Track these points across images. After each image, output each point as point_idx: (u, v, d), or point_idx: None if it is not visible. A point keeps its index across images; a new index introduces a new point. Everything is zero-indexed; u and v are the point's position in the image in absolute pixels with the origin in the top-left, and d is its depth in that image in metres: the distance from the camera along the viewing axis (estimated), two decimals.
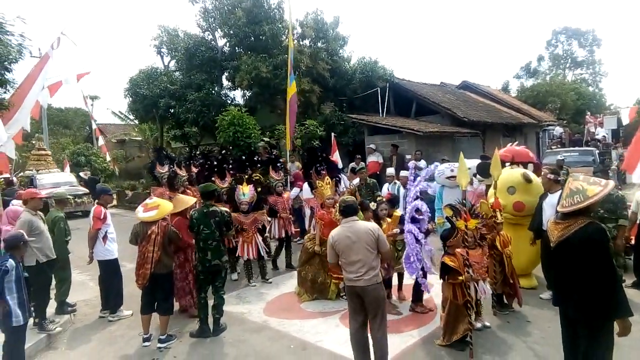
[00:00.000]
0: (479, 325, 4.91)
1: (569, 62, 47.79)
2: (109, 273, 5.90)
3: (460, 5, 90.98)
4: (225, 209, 5.50)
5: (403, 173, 8.66)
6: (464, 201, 5.18)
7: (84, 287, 7.29)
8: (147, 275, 4.80)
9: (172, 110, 17.12)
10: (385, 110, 16.76)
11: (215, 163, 7.74)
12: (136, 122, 22.70)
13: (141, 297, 5.05)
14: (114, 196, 13.26)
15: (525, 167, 6.79)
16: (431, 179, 8.57)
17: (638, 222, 5.97)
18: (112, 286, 5.91)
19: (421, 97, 16.78)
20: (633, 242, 6.05)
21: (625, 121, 17.31)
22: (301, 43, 16.94)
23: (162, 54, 19.49)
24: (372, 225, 4.14)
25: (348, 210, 4.13)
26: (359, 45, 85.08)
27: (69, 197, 7.39)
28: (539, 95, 31.14)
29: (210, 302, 5.20)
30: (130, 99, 17.96)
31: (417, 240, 5.10)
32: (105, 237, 5.78)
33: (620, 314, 3.09)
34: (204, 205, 5.30)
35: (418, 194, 5.42)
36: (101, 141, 19.10)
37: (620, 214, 5.72)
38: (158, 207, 5.03)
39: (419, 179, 5.50)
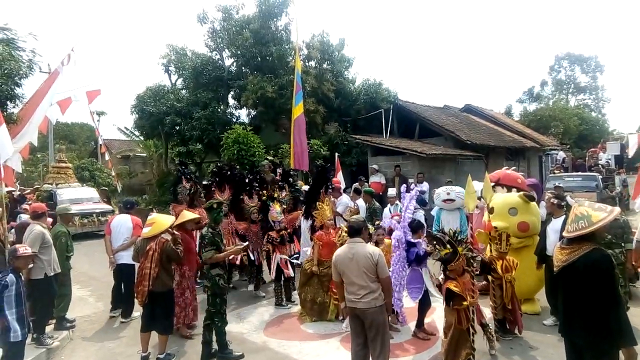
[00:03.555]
0: (493, 352, 4.86)
1: (572, 88, 48.28)
2: (133, 277, 6.02)
3: (465, 29, 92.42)
4: (204, 230, 5.15)
5: (391, 193, 8.69)
6: (468, 225, 5.17)
7: (84, 303, 7.24)
8: (145, 292, 4.76)
9: (177, 128, 17.25)
10: (389, 131, 16.85)
11: (246, 181, 7.63)
12: (141, 138, 22.88)
13: (141, 316, 5.01)
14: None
15: (509, 190, 6.80)
16: (422, 202, 8.57)
17: None
18: (131, 290, 6.04)
19: (425, 119, 16.89)
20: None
21: (633, 150, 17.26)
22: (307, 64, 17.19)
23: (169, 72, 19.78)
24: (373, 249, 4.05)
25: (351, 231, 4.13)
26: (364, 67, 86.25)
27: (73, 212, 7.35)
28: (542, 119, 31.35)
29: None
30: (137, 115, 18.13)
31: (414, 260, 5.07)
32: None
33: (624, 343, 3.05)
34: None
35: (412, 211, 5.41)
36: (106, 156, 19.14)
37: (626, 239, 5.70)
38: (154, 223, 5.04)
39: (408, 196, 5.47)
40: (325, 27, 37.51)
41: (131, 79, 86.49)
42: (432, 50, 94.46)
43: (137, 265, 6.01)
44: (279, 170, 8.31)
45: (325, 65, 17.58)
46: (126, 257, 6.25)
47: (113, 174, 19.59)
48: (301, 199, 7.62)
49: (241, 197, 7.48)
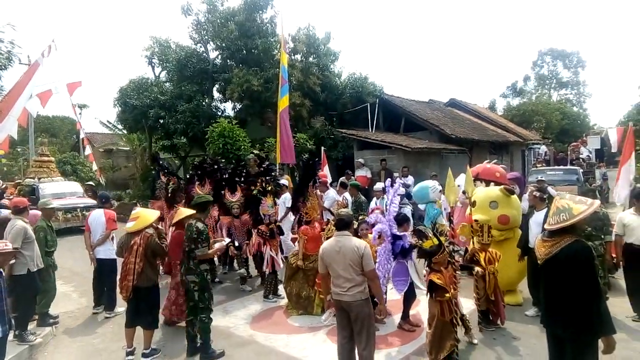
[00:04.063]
0: (475, 341, 4.98)
1: (554, 83, 49.06)
2: (111, 271, 6.27)
3: (450, 24, 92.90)
4: (199, 225, 4.98)
5: (377, 186, 8.75)
6: (451, 219, 5.24)
7: (68, 299, 7.15)
8: (129, 287, 4.71)
9: (161, 121, 17.06)
10: (375, 125, 16.92)
11: (226, 176, 7.57)
12: (124, 131, 22.56)
13: (125, 311, 4.97)
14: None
15: (487, 185, 6.92)
16: (408, 196, 8.65)
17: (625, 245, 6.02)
18: (112, 284, 6.23)
19: (410, 113, 16.99)
20: (622, 263, 6.10)
21: (615, 145, 17.64)
22: (293, 58, 17.10)
23: (153, 64, 19.51)
24: (359, 242, 4.06)
25: (339, 224, 4.15)
26: (350, 61, 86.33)
27: (56, 206, 7.21)
28: (525, 114, 31.85)
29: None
30: (120, 108, 17.87)
31: (400, 252, 5.13)
32: (112, 238, 6.40)
33: (604, 332, 3.14)
34: (188, 217, 5.15)
35: (397, 205, 5.45)
36: (88, 150, 18.79)
37: (606, 231, 5.83)
38: (138, 217, 4.98)
39: (393, 189, 5.52)
40: (311, 21, 37.51)
41: (114, 72, 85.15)
42: (418, 45, 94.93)
43: (114, 259, 6.14)
44: (266, 163, 8.27)
45: (311, 59, 17.53)
46: (102, 252, 6.31)
47: (95, 167, 19.25)
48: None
49: (222, 192, 7.41)
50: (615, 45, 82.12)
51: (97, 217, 6.47)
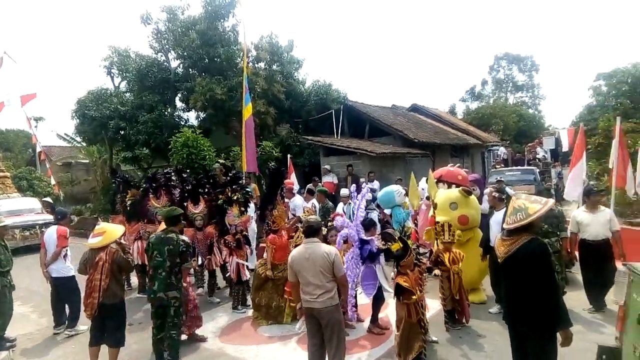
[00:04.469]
0: (434, 338, 5.10)
1: (510, 86, 50.95)
2: (70, 289, 6.12)
3: (410, 30, 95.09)
4: (184, 237, 5.03)
5: (344, 192, 8.87)
6: (415, 222, 5.36)
7: (26, 320, 6.82)
8: (94, 305, 4.57)
9: (122, 132, 16.60)
10: (340, 131, 17.08)
11: (189, 187, 7.36)
12: (83, 144, 21.83)
13: (89, 329, 4.81)
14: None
15: (450, 186, 7.16)
16: (374, 201, 8.81)
17: (579, 240, 6.34)
18: (72, 302, 6.12)
19: (374, 119, 17.25)
20: (577, 260, 6.41)
21: (565, 145, 18.59)
22: (256, 66, 17.07)
23: (112, 74, 18.97)
24: (329, 248, 4.11)
25: (309, 231, 4.16)
26: (314, 69, 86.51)
27: (9, 224, 6.88)
28: (484, 117, 33.00)
29: None
30: (78, 120, 17.27)
31: (368, 257, 5.20)
32: (65, 255, 6.15)
33: (562, 326, 3.29)
34: (163, 231, 5.01)
35: (364, 210, 5.55)
36: (46, 164, 18.03)
37: (561, 228, 6.10)
38: (104, 232, 4.84)
39: (360, 195, 5.62)
40: (273, 29, 37.31)
41: (71, 83, 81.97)
42: (380, 52, 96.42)
43: (72, 276, 6.04)
44: (233, 171, 8.18)
45: (274, 67, 17.53)
46: (56, 271, 6.09)
47: (53, 182, 18.49)
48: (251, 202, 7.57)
49: (185, 203, 7.20)
50: (567, 49, 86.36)
51: (52, 234, 6.21)
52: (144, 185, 7.62)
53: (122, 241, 4.98)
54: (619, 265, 5.90)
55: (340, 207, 8.68)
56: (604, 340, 4.45)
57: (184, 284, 5.12)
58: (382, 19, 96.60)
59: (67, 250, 6.17)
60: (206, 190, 7.32)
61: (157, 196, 7.40)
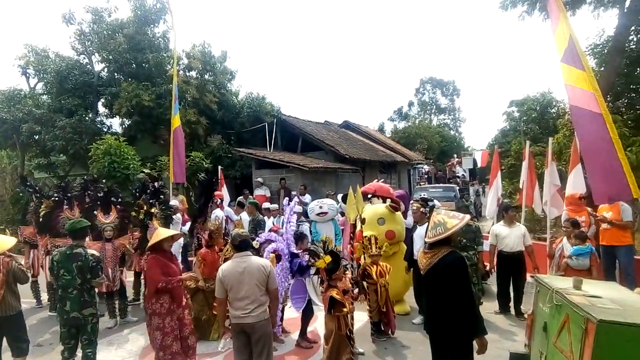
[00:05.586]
0: (361, 350, 5.20)
1: (434, 109, 54.28)
2: None
3: (343, 48, 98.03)
4: (93, 251, 4.63)
5: (273, 206, 8.93)
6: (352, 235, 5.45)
7: None
8: None
9: (36, 137, 15.34)
10: (273, 145, 17.06)
11: (100, 195, 6.87)
12: None
13: None
14: None
15: (384, 201, 7.47)
16: (306, 214, 8.93)
17: (497, 252, 6.82)
18: None
19: (307, 134, 17.48)
20: (495, 270, 6.90)
21: (480, 163, 20.17)
22: (187, 74, 16.65)
23: (27, 75, 17.50)
24: (264, 261, 4.09)
25: (242, 245, 4.08)
26: (247, 81, 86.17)
27: None
28: (410, 136, 34.79)
29: None
30: None
31: (297, 270, 5.23)
32: None
33: (477, 333, 3.50)
34: (68, 247, 4.59)
35: (294, 223, 5.61)
36: None
37: (478, 242, 6.55)
38: None
39: (289, 208, 5.67)
40: (206, 38, 36.64)
41: None
42: (314, 68, 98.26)
43: None
44: (157, 183, 7.84)
45: (207, 76, 17.19)
46: None
47: None
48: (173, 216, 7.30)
49: (94, 213, 6.72)
50: (485, 76, 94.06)
51: None
52: (55, 195, 7.02)
53: (12, 254, 4.65)
54: (527, 277, 6.45)
55: (270, 220, 8.63)
56: (515, 347, 4.81)
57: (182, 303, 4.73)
58: (316, 37, 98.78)
59: None
60: (119, 199, 6.90)
61: (71, 207, 6.88)
